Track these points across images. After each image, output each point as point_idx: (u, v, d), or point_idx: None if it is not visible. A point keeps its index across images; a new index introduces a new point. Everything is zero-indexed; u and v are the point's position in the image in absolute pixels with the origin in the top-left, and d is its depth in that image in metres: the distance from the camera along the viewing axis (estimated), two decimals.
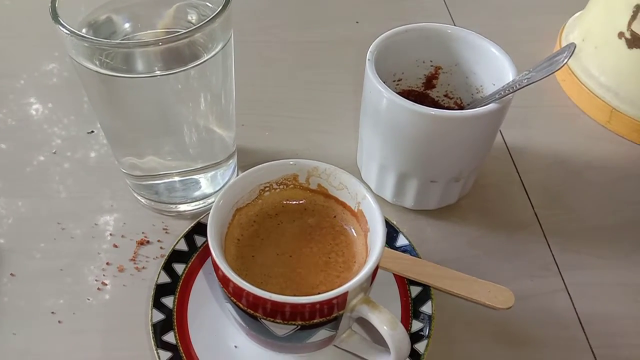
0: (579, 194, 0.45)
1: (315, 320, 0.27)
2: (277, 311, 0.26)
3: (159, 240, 0.40)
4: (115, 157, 0.41)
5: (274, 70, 0.54)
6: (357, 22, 0.60)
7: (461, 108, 0.43)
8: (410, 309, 0.34)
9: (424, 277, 0.35)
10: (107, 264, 0.39)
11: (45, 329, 0.35)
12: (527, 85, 0.33)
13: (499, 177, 0.46)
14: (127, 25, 0.37)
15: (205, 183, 0.41)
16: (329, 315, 0.27)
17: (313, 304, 0.26)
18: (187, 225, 0.40)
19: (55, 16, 0.32)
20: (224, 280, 0.27)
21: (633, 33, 0.46)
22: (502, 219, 0.43)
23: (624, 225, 0.43)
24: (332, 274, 0.30)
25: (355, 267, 0.30)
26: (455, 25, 0.59)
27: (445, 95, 0.44)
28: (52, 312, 0.36)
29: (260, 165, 0.31)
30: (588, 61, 0.51)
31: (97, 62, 0.33)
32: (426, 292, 0.35)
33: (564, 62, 0.31)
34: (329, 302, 0.26)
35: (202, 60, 0.33)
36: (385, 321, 0.26)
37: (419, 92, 0.44)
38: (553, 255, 0.41)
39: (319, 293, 0.29)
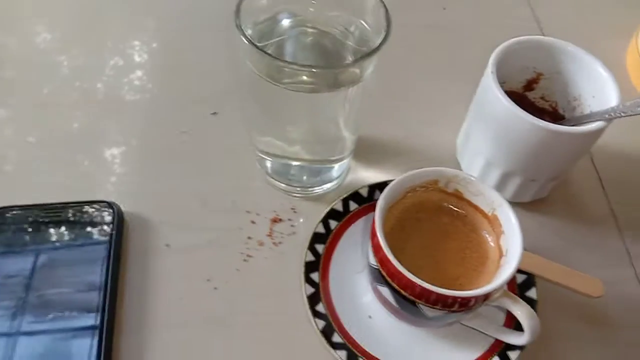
0: None
1: (462, 308, 0.34)
2: (438, 300, 0.33)
3: (289, 219, 0.46)
4: (253, 138, 0.46)
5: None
6: (444, 9, 0.63)
7: (556, 110, 0.48)
8: (517, 294, 0.41)
9: (528, 266, 0.41)
10: (249, 238, 0.45)
11: (204, 295, 0.42)
12: (638, 114, 0.38)
13: (581, 173, 0.51)
14: (285, 22, 0.41)
15: (332, 171, 0.46)
16: (476, 304, 0.33)
17: (470, 297, 0.32)
18: (311, 206, 0.46)
19: (239, 26, 0.36)
20: (395, 275, 0.33)
21: None
22: (584, 212, 0.49)
23: None
24: (469, 268, 0.36)
25: (489, 264, 0.36)
26: (535, 17, 0.63)
27: (541, 98, 0.49)
28: (208, 280, 0.42)
29: (410, 172, 0.37)
30: None
31: (258, 65, 0.37)
32: (530, 280, 0.41)
33: None
34: (482, 295, 0.32)
35: (352, 86, 0.37)
36: (525, 312, 0.33)
37: (518, 93, 0.49)
38: (626, 248, 0.47)
39: (460, 284, 0.35)
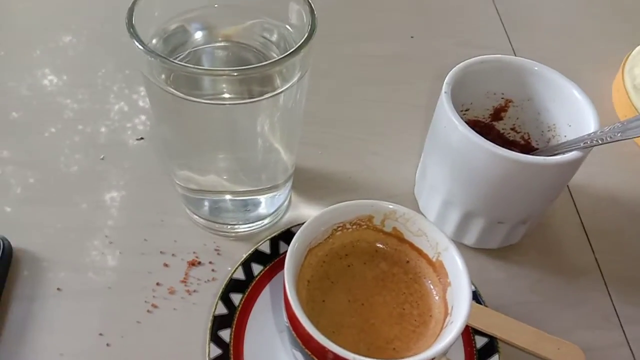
0: (638, 240, 0.44)
1: None
2: None
3: (210, 262, 0.39)
4: (169, 168, 0.39)
5: (327, 84, 0.52)
6: (412, 37, 0.58)
7: (528, 143, 0.42)
8: None
9: (491, 327, 0.33)
10: (157, 284, 0.37)
11: (93, 352, 0.34)
12: (619, 140, 0.32)
13: (560, 216, 0.44)
14: (198, 35, 0.35)
15: (263, 205, 0.39)
16: None
17: None
18: (239, 247, 0.39)
19: (131, 27, 0.30)
20: (304, 336, 0.25)
21: None
22: (563, 262, 0.42)
23: None
24: (408, 328, 0.29)
25: (432, 323, 0.29)
26: (512, 47, 0.57)
27: (512, 129, 0.42)
28: (100, 334, 0.35)
29: (336, 205, 0.30)
30: None
31: (164, 78, 0.32)
32: (492, 344, 0.33)
33: None
34: None
35: (277, 92, 0.31)
36: None
37: (485, 123, 0.43)
38: (614, 306, 0.40)
39: (394, 349, 0.28)
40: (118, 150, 0.44)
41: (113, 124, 0.46)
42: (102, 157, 0.44)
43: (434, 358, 0.25)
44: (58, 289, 0.37)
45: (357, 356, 0.24)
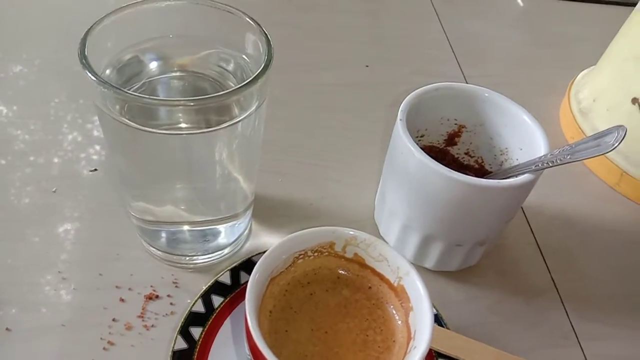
0: (592, 258, 0.45)
1: None
2: None
3: (168, 295, 0.38)
4: (124, 200, 0.38)
5: (285, 112, 0.52)
6: (367, 66, 0.59)
7: (482, 167, 0.43)
8: None
9: (454, 350, 0.34)
10: (114, 320, 0.36)
11: None
12: (569, 162, 0.33)
13: (516, 237, 0.45)
14: (153, 65, 0.35)
15: (222, 234, 0.39)
16: None
17: None
18: (198, 279, 0.38)
19: (83, 57, 0.29)
20: None
21: None
22: (520, 282, 0.42)
23: (639, 293, 0.43)
24: (372, 355, 0.28)
25: (396, 349, 0.29)
26: (464, 75, 0.59)
27: (466, 153, 0.44)
28: None
29: (298, 232, 0.30)
30: (599, 122, 0.52)
31: (118, 109, 0.31)
32: None
33: (615, 145, 0.31)
34: None
35: (235, 121, 0.31)
36: None
37: (439, 148, 0.44)
38: (571, 324, 0.41)
39: None
40: (72, 182, 0.43)
41: (66, 155, 0.45)
42: (54, 189, 0.43)
43: None
44: (7, 328, 0.35)
45: None
